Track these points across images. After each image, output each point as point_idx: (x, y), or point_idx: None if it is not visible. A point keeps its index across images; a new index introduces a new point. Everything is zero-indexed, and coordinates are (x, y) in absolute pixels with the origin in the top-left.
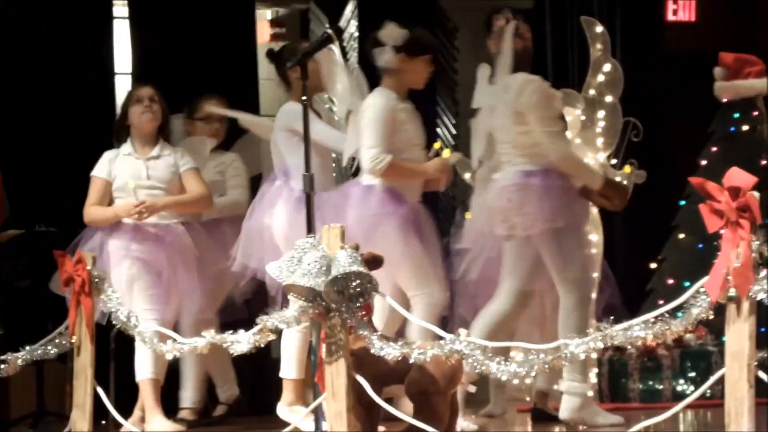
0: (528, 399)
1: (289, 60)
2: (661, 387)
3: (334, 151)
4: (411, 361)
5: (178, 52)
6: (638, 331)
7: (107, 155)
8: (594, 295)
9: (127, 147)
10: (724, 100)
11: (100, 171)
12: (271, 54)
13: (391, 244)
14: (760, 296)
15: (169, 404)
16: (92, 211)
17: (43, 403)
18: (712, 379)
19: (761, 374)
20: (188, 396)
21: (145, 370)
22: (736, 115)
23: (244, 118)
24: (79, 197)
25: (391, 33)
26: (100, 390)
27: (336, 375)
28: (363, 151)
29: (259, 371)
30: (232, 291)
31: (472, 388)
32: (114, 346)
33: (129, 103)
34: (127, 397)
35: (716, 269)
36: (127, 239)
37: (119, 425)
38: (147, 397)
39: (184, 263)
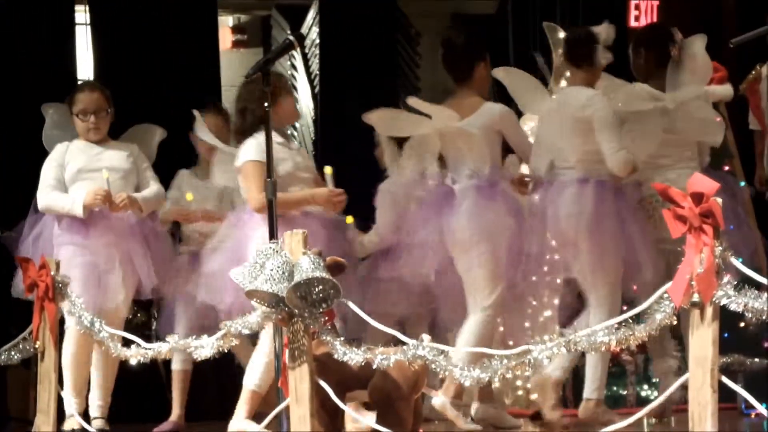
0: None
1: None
2: (625, 392)
3: None
4: (374, 366)
5: (140, 58)
6: (602, 336)
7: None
8: None
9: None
10: None
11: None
12: None
13: None
14: (724, 302)
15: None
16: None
17: (6, 409)
18: (676, 384)
19: (725, 379)
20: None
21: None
22: None
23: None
24: None
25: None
26: (63, 395)
27: (299, 380)
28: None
29: (225, 376)
30: None
31: (436, 394)
32: None
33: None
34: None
35: (680, 275)
36: None
37: (83, 430)
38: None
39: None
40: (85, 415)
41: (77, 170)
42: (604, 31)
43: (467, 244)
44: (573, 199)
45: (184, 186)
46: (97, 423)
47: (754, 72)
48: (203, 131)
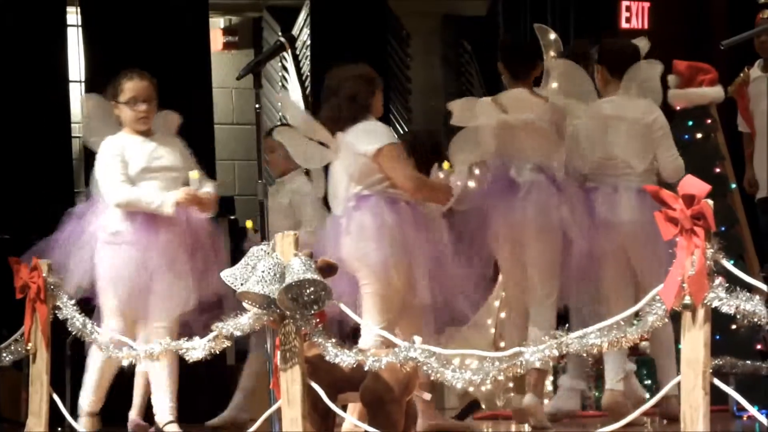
0: (483, 407)
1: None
2: None
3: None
4: (366, 368)
5: (131, 59)
6: (594, 338)
7: None
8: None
9: None
10: (678, 107)
11: None
12: None
13: None
14: (715, 304)
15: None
16: None
17: None
18: (668, 386)
19: (716, 381)
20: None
21: None
22: (690, 123)
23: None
24: (32, 204)
25: None
26: (56, 396)
27: (291, 382)
28: None
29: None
30: None
31: (428, 396)
32: (70, 353)
33: None
34: None
35: (671, 277)
36: None
37: (75, 431)
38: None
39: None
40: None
41: (141, 169)
42: (642, 44)
43: (535, 235)
44: (646, 206)
45: None
46: (171, 427)
47: (742, 74)
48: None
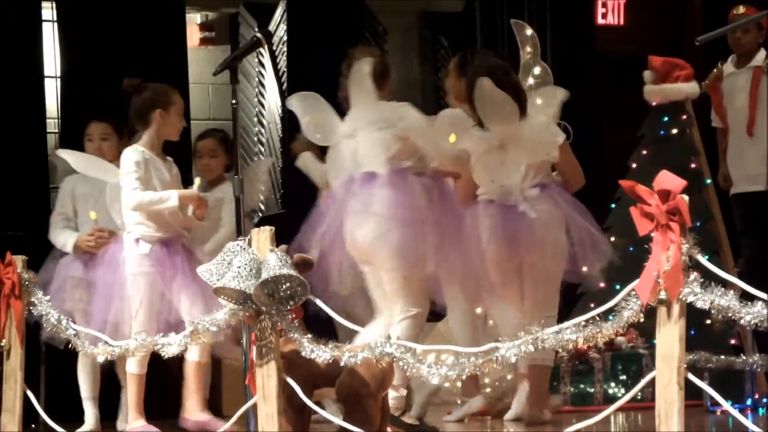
0: (459, 402)
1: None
2: (592, 390)
3: None
4: (342, 363)
5: (107, 55)
6: (569, 334)
7: None
8: None
9: None
10: (654, 103)
11: None
12: None
13: None
14: (690, 299)
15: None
16: None
17: None
18: (643, 381)
19: (691, 377)
20: None
21: None
22: (666, 119)
23: None
24: (6, 200)
25: None
26: (30, 393)
27: (267, 377)
28: None
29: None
30: None
31: (403, 391)
32: (45, 350)
33: None
34: (57, 401)
35: (647, 272)
36: None
37: (50, 429)
38: None
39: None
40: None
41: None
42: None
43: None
44: None
45: None
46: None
47: (716, 70)
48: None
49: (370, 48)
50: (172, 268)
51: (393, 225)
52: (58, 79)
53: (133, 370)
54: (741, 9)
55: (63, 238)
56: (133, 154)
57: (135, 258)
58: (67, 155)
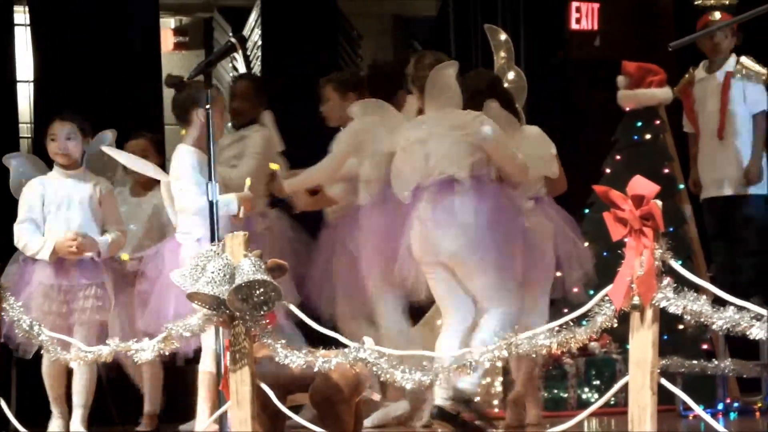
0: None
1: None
2: (566, 395)
3: None
4: (315, 369)
5: (81, 59)
6: (543, 339)
7: None
8: None
9: None
10: (627, 108)
11: None
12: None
13: None
14: (663, 304)
15: None
16: None
17: None
18: (616, 386)
19: (664, 381)
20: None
21: None
22: (639, 124)
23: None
24: None
25: None
26: (0, 399)
27: (240, 383)
28: None
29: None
30: None
31: (377, 396)
32: (16, 356)
33: None
34: (29, 407)
35: (620, 277)
36: None
37: None
38: None
39: None
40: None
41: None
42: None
43: None
44: None
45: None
46: None
47: (687, 75)
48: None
49: (438, 53)
50: None
51: (483, 233)
52: (31, 84)
53: (209, 367)
54: (717, 15)
55: (36, 244)
56: (188, 156)
57: None
58: (115, 153)
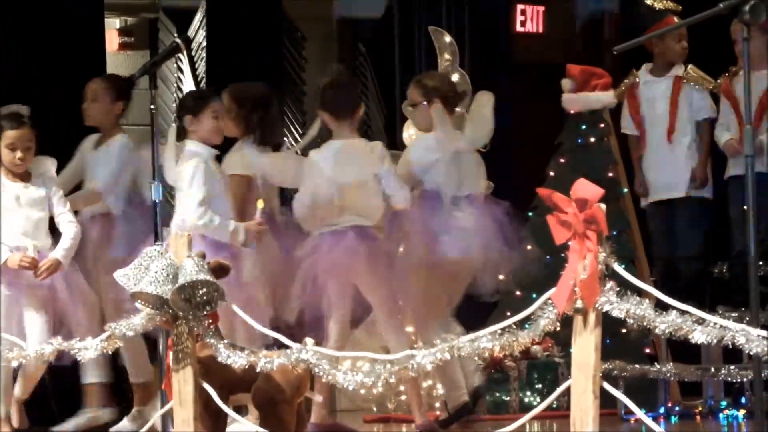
0: (375, 409)
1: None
2: (508, 398)
3: None
4: (258, 369)
5: (25, 59)
6: (485, 342)
7: None
8: None
9: None
10: (572, 111)
11: None
12: None
13: None
14: (606, 308)
15: None
16: None
17: None
18: (559, 390)
19: (606, 385)
20: None
21: None
22: (584, 127)
23: None
24: None
25: None
26: None
27: (183, 382)
28: None
29: None
30: None
31: (319, 397)
32: None
33: None
34: None
35: (563, 281)
36: None
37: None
38: None
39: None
40: None
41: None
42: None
43: None
44: None
45: None
46: None
47: (630, 76)
48: None
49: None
50: None
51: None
52: None
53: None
54: (675, 20)
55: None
56: (194, 168)
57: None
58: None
